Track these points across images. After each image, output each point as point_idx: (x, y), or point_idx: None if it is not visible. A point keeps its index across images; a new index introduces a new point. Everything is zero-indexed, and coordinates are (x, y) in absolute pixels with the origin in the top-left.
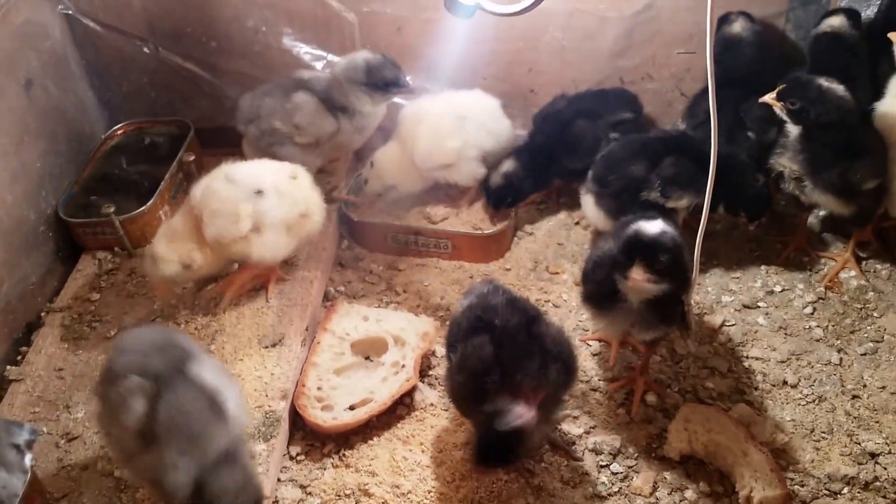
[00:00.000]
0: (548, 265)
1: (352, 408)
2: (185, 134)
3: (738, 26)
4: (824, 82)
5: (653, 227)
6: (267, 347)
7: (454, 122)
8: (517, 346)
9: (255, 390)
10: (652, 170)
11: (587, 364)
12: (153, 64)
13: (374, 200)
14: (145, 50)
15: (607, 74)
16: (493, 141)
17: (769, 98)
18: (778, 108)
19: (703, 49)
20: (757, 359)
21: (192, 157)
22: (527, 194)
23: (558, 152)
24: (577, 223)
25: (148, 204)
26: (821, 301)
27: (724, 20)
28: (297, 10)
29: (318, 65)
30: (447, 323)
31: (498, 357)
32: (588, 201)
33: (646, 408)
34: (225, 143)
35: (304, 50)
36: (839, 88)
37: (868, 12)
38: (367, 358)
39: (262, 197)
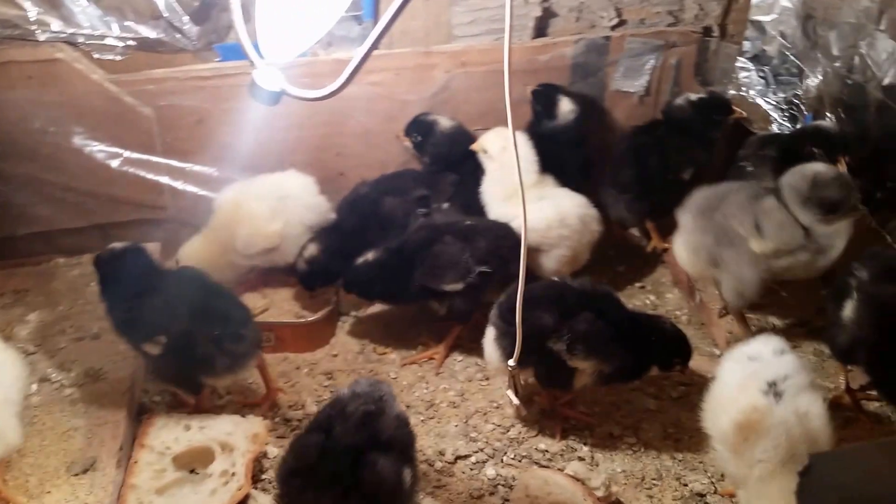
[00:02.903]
0: (375, 347)
1: None
2: None
3: (443, 123)
4: (437, 118)
5: None
6: (77, 475)
7: (274, 203)
8: (334, 465)
9: None
10: (561, 320)
11: (423, 441)
12: None
13: None
14: None
15: (412, 154)
16: (314, 215)
17: (400, 134)
18: (407, 143)
19: (498, 125)
20: (583, 413)
21: None
22: (337, 276)
23: (371, 232)
24: None
25: None
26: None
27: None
28: (89, 107)
29: (115, 162)
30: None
31: (312, 468)
32: (489, 334)
33: (487, 481)
34: (11, 254)
35: (97, 148)
36: (448, 123)
37: (640, 82)
38: (192, 471)
39: None
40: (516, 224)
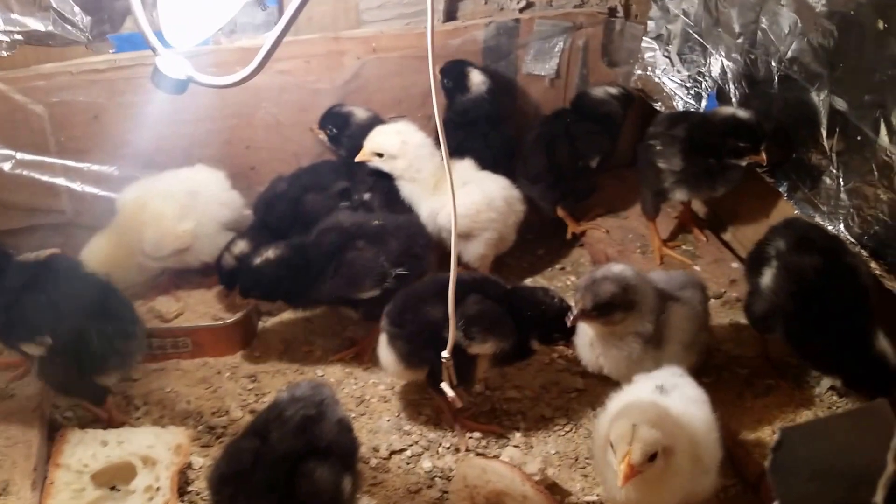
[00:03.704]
0: (299, 345)
1: None
2: None
3: (359, 114)
4: (352, 109)
5: None
6: None
7: (184, 200)
8: (270, 472)
9: None
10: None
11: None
12: None
13: None
14: None
15: (328, 147)
16: (229, 212)
17: (314, 127)
18: (321, 136)
19: (413, 113)
20: (513, 399)
21: None
22: None
23: (294, 230)
24: None
25: None
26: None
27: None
28: None
29: (6, 165)
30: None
31: (245, 474)
32: (382, 341)
33: (424, 474)
34: None
35: None
36: (364, 114)
37: (550, 65)
38: (113, 488)
39: None
40: (445, 213)
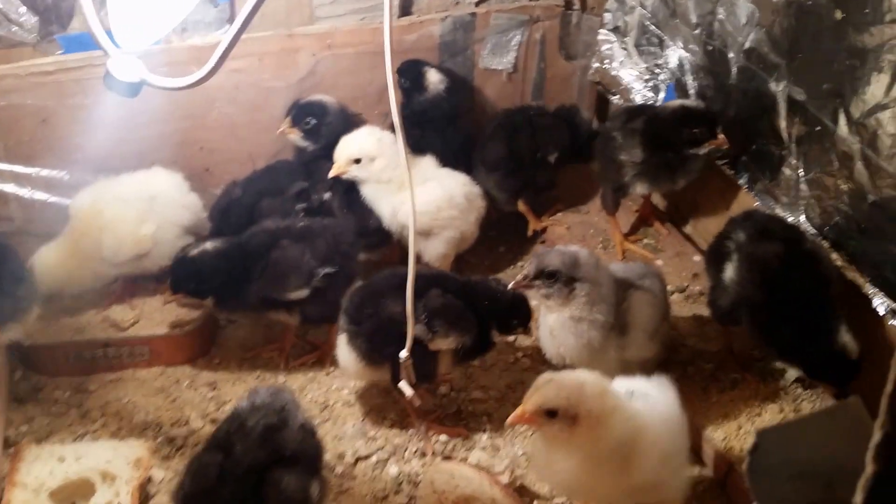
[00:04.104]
0: (259, 351)
1: None
2: None
3: (330, 100)
4: (322, 98)
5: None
6: None
7: (143, 204)
8: (236, 487)
9: None
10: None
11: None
12: None
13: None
14: None
15: (283, 145)
16: (190, 215)
17: (285, 127)
18: (296, 136)
19: (369, 110)
20: (479, 400)
21: None
22: None
23: None
24: None
25: None
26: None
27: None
28: None
29: None
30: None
31: (211, 491)
32: (341, 341)
33: (391, 480)
34: None
35: None
36: (333, 100)
37: (507, 59)
38: None
39: None
40: (406, 210)
